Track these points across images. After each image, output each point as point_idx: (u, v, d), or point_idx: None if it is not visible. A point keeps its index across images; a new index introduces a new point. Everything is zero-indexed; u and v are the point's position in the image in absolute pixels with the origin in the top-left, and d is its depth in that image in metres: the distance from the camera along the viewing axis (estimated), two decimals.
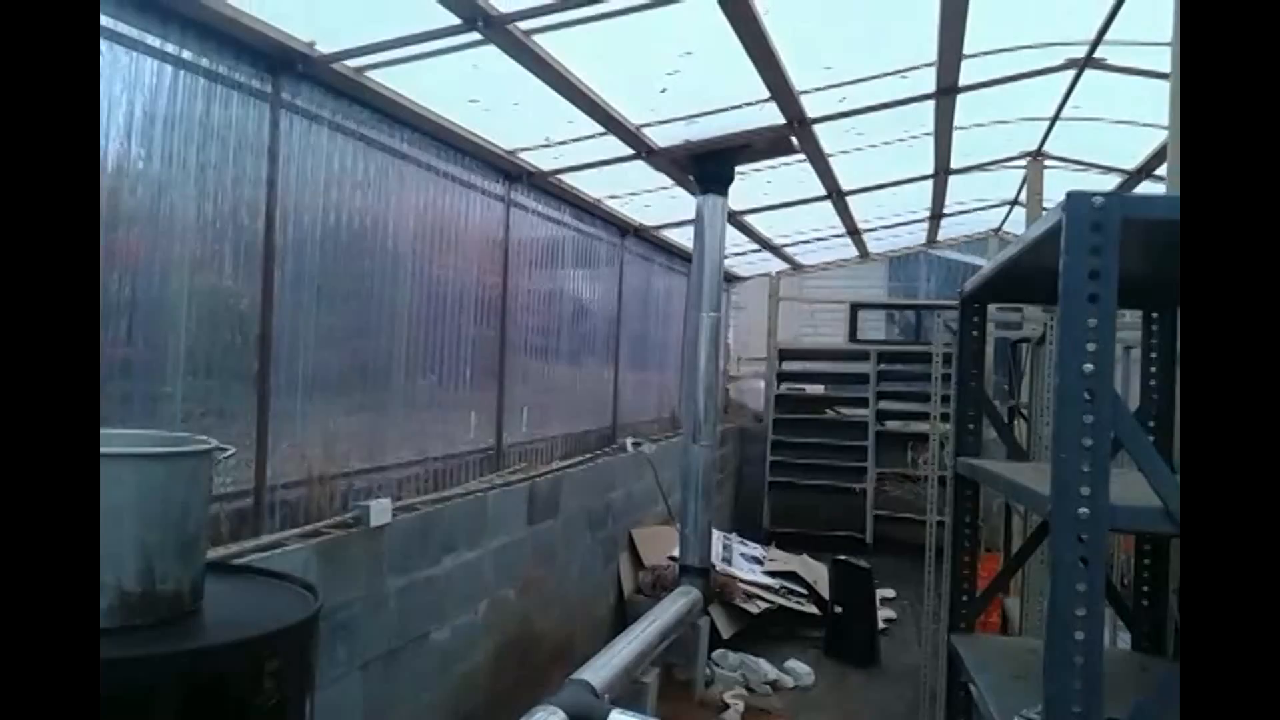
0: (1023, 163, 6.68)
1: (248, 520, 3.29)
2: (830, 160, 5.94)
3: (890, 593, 8.32)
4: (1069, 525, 1.27)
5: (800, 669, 6.38)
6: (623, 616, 6.33)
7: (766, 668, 6.30)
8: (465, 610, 4.42)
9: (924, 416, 9.81)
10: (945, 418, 5.20)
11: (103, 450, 1.62)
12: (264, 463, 3.39)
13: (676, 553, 6.37)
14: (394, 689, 3.79)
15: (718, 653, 6.39)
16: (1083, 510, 1.26)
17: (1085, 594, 1.27)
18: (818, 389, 11.50)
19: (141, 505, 1.57)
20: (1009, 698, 1.79)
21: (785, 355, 11.09)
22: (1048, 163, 6.41)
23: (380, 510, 3.65)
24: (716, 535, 6.81)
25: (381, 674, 3.71)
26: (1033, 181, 6.28)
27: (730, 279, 9.91)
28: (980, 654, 2.11)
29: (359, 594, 3.55)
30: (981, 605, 2.28)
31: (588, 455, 6.42)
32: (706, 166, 5.54)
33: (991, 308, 2.40)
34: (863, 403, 10.58)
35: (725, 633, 6.63)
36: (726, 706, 5.63)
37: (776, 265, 10.40)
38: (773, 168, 5.93)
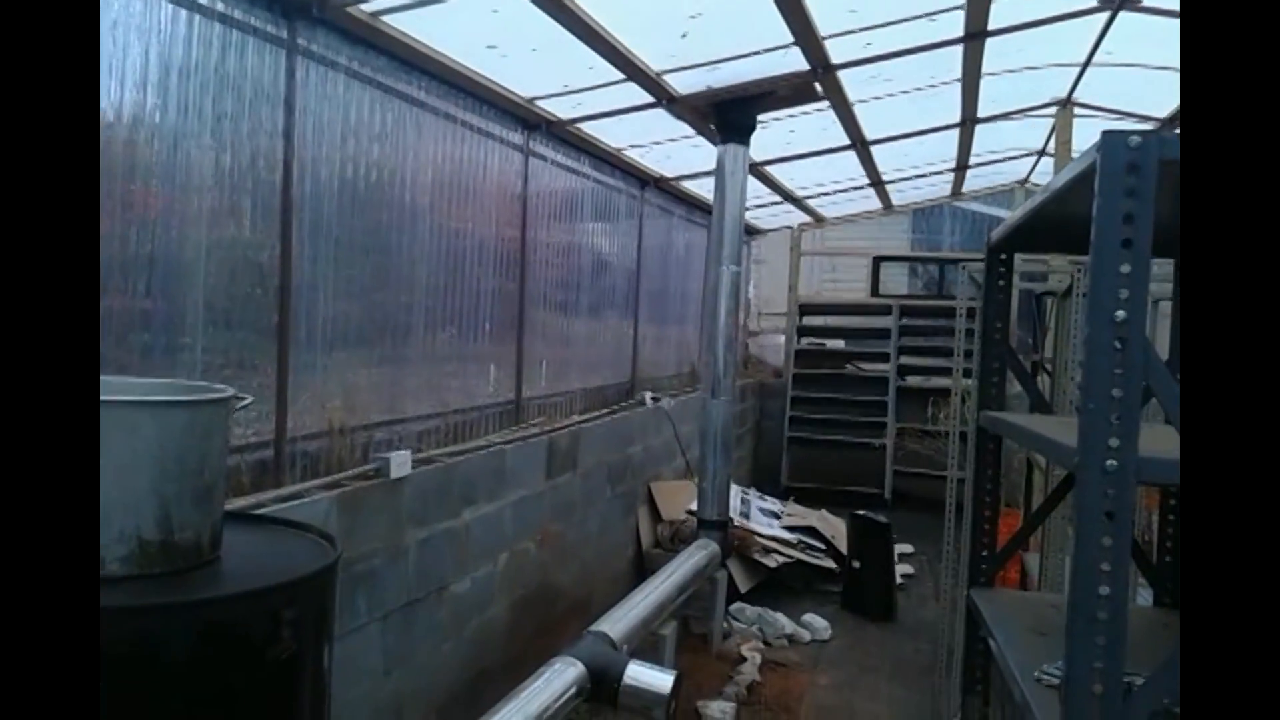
0: (1052, 111, 6.52)
1: (268, 471, 3.31)
2: (855, 108, 5.82)
3: (908, 548, 8.33)
4: (1096, 478, 1.24)
5: (817, 623, 6.42)
6: (641, 570, 6.38)
7: (784, 621, 6.34)
8: (485, 562, 4.45)
9: (946, 372, 9.74)
10: (968, 373, 5.16)
11: (121, 398, 1.62)
12: (284, 414, 3.40)
13: (695, 507, 6.38)
14: (414, 640, 3.84)
15: (735, 606, 6.43)
16: (1110, 462, 1.22)
17: (1111, 549, 1.24)
18: (838, 344, 11.43)
19: (159, 453, 1.57)
20: (1028, 653, 1.77)
21: (806, 310, 11.02)
22: (1078, 111, 6.26)
23: (400, 462, 3.66)
24: (735, 490, 6.82)
25: (401, 625, 3.75)
26: (1061, 130, 6.14)
27: (751, 232, 9.81)
28: (1000, 609, 2.10)
29: (379, 545, 3.57)
30: (1001, 560, 2.25)
31: (607, 409, 6.42)
32: (728, 115, 5.44)
33: (1017, 260, 2.34)
34: (884, 358, 10.51)
35: (743, 586, 6.67)
36: (744, 659, 5.67)
37: (798, 218, 10.28)
38: (796, 115, 5.82)
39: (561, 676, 3.62)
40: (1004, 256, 2.21)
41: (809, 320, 11.11)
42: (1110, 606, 1.23)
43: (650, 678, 3.77)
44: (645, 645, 4.46)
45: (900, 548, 7.78)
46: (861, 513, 7.03)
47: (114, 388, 1.69)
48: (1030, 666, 1.68)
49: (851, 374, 10.97)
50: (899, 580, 7.30)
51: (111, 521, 1.55)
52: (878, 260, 11.27)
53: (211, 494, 1.68)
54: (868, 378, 10.75)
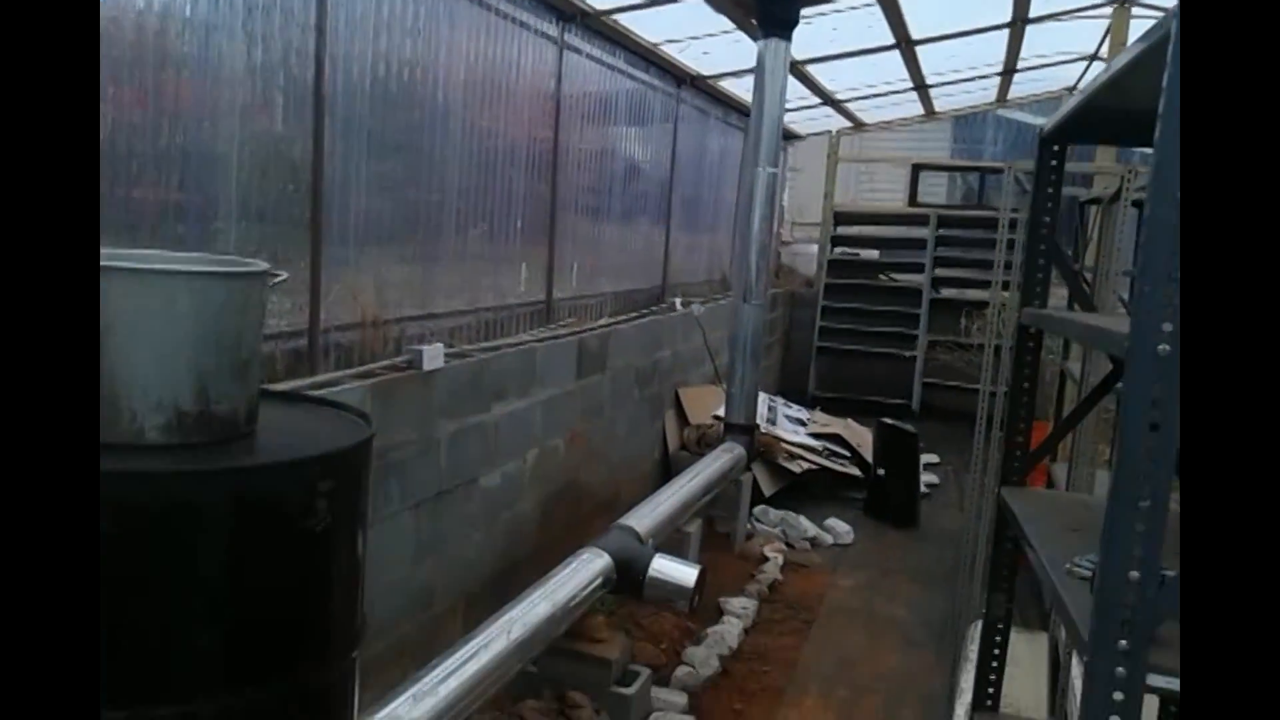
0: (1107, 11, 6.23)
1: (303, 360, 3.34)
2: (901, 4, 5.58)
3: (934, 458, 8.35)
4: (1146, 364, 1.20)
5: (840, 527, 6.49)
6: (667, 472, 6.45)
7: (806, 524, 6.42)
8: (514, 458, 4.51)
9: (981, 284, 9.60)
10: (1007, 285, 5.06)
11: (156, 267, 1.62)
12: (317, 305, 3.41)
13: (722, 412, 6.41)
14: (444, 529, 3.92)
15: (759, 509, 6.51)
16: (1163, 347, 1.18)
17: (1157, 435, 1.21)
18: (872, 254, 11.28)
19: (196, 324, 1.57)
20: (1059, 547, 1.76)
21: (841, 218, 10.83)
22: (1135, 10, 5.97)
23: (433, 355, 3.68)
24: (762, 397, 6.83)
25: (432, 514, 3.83)
26: (1116, 32, 5.89)
27: (788, 137, 9.58)
28: (1031, 506, 2.09)
29: (411, 436, 3.62)
30: (1035, 459, 2.24)
31: (636, 313, 6.40)
32: (770, 7, 5.24)
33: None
34: (918, 269, 10.36)
35: (767, 490, 6.74)
36: (766, 559, 5.77)
37: (837, 123, 10.02)
38: (841, 11, 5.60)
39: (589, 566, 3.71)
40: (1056, 149, 2.12)
41: (843, 229, 10.92)
42: (1153, 494, 1.21)
43: (675, 570, 3.85)
44: (670, 542, 4.55)
45: (926, 458, 7.81)
46: (889, 420, 7.03)
47: (150, 259, 1.69)
48: (1061, 560, 1.67)
49: (884, 285, 10.84)
50: (923, 489, 7.35)
51: (149, 391, 1.56)
52: (917, 168, 11.00)
53: (248, 367, 1.69)
54: (900, 289, 10.63)
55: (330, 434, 1.79)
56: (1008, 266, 4.99)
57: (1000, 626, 2.35)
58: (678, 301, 7.04)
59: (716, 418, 6.60)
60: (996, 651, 2.35)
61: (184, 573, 1.52)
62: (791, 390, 9.96)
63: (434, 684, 2.71)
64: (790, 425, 7.68)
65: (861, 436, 7.89)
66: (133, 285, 1.55)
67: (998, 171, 9.61)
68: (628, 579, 3.84)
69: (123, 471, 1.50)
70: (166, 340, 1.55)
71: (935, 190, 12.34)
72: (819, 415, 8.40)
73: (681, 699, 3.93)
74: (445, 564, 3.95)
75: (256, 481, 1.58)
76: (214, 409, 1.62)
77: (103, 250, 1.70)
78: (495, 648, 3.01)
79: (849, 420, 8.34)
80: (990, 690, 2.38)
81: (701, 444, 6.50)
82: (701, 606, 4.34)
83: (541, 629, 3.29)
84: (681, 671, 4.15)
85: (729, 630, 4.63)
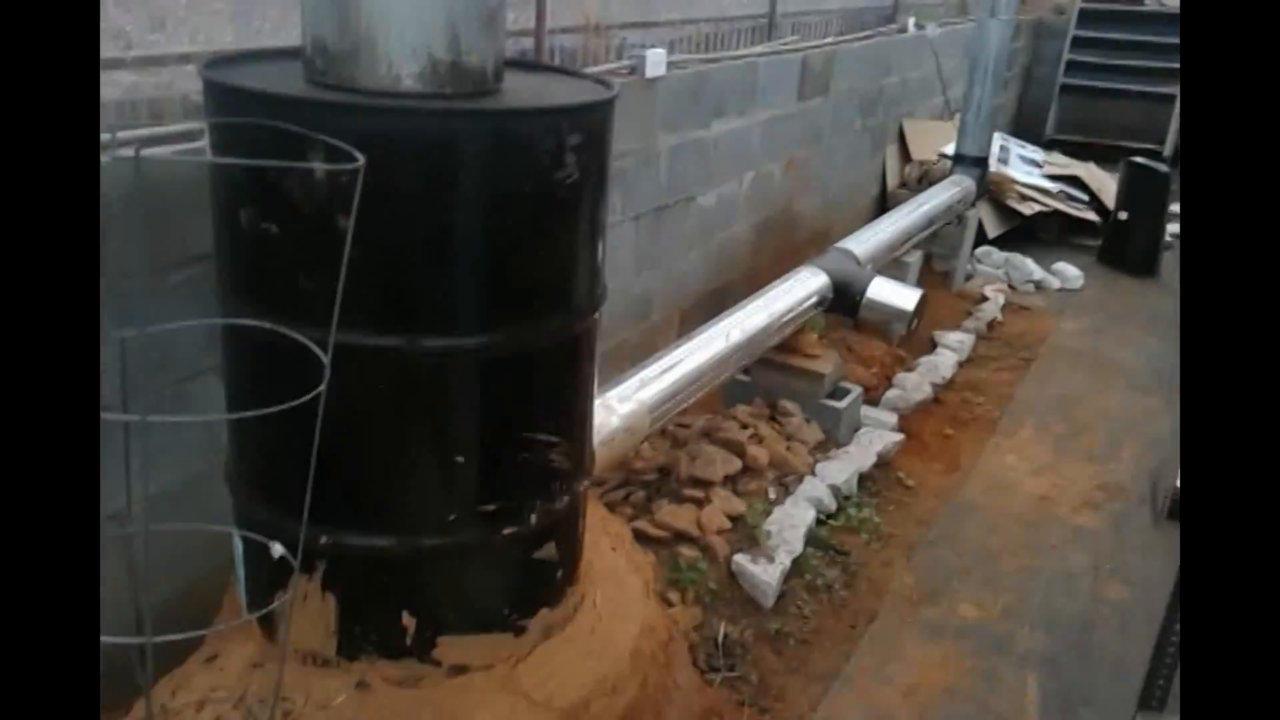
0: None
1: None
2: None
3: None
4: None
5: (1070, 271, 6.10)
6: (884, 210, 6.19)
7: (1032, 267, 6.08)
8: (731, 179, 4.45)
9: None
10: None
11: None
12: (543, 7, 3.36)
13: (948, 150, 6.00)
14: (663, 243, 3.98)
15: (981, 250, 6.20)
16: None
17: None
18: None
19: None
20: None
21: None
22: None
23: (655, 61, 3.58)
24: (995, 136, 6.30)
25: (652, 227, 3.88)
26: None
27: None
28: None
29: (633, 146, 3.61)
30: None
31: (864, 34, 5.93)
32: None
33: None
34: None
35: (991, 232, 6.38)
36: (985, 299, 5.55)
37: None
38: None
39: (806, 283, 3.70)
40: None
41: None
42: None
43: (895, 292, 3.78)
44: (888, 270, 4.43)
45: (1174, 206, 7.08)
46: (1139, 159, 6.36)
47: None
48: None
49: (1150, 11, 9.43)
50: (1167, 238, 6.72)
51: (404, 37, 1.59)
52: None
53: (495, 20, 1.68)
54: (1168, 15, 9.22)
55: (575, 95, 1.79)
56: None
57: None
58: (910, 22, 6.44)
59: (943, 155, 6.19)
60: None
61: (442, 213, 1.60)
62: (1027, 133, 9.12)
63: (659, 372, 2.86)
64: (1024, 166, 7.11)
65: (1102, 181, 7.21)
66: None
67: None
68: (844, 299, 3.81)
69: (385, 107, 1.57)
70: None
71: None
72: (1056, 157, 7.70)
73: (891, 419, 3.97)
74: (662, 277, 4.05)
75: (511, 125, 1.61)
76: (465, 59, 1.63)
77: None
78: (714, 348, 3.12)
79: (1090, 164, 7.61)
80: None
81: (923, 182, 6.16)
82: (914, 338, 4.28)
83: (757, 337, 3.36)
84: (892, 394, 4.17)
85: (943, 361, 4.56)
